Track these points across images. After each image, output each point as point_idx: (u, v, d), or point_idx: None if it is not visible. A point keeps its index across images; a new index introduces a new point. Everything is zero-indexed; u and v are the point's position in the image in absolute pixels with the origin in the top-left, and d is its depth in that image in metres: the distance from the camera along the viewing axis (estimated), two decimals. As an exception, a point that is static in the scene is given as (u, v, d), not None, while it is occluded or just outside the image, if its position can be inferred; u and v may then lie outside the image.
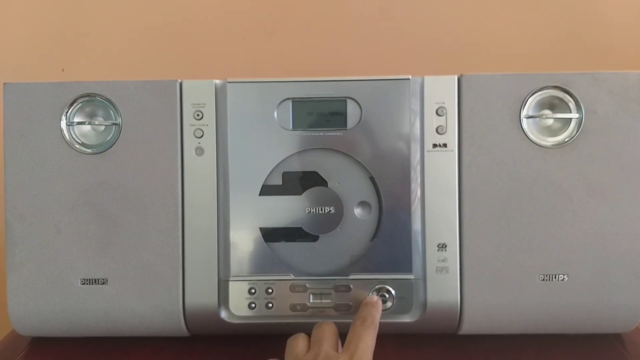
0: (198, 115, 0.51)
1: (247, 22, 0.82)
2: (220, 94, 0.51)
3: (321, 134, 0.51)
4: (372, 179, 0.51)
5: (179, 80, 0.51)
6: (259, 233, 0.51)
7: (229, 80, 0.51)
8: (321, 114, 0.51)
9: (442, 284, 0.50)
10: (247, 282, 0.51)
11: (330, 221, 0.51)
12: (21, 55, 0.83)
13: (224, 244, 0.51)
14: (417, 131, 0.50)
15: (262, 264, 0.51)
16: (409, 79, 0.50)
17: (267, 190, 0.51)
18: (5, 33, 0.83)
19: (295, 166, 0.51)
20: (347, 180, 0.51)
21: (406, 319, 0.51)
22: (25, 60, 0.83)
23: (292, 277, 0.51)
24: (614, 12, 0.79)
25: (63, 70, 0.83)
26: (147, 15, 0.82)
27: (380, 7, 0.81)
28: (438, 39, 0.81)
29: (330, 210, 0.51)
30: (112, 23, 0.82)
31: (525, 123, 0.50)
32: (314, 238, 0.51)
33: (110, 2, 0.82)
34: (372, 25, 0.81)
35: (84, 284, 0.51)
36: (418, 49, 0.81)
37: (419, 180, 0.50)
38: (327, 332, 0.44)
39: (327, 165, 0.51)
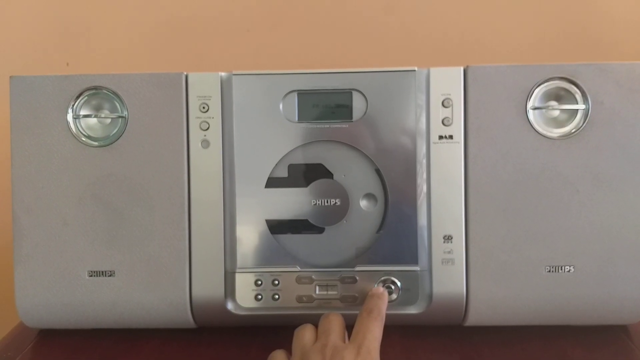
0: (204, 107, 0.51)
1: (251, 15, 0.82)
2: (225, 87, 0.51)
3: (327, 126, 0.51)
4: (377, 171, 0.51)
5: (185, 73, 0.51)
6: (265, 225, 0.51)
7: (234, 72, 0.51)
8: (327, 106, 0.51)
9: (448, 276, 0.50)
10: (253, 273, 0.51)
11: (336, 213, 0.51)
12: (26, 49, 0.83)
13: (230, 236, 0.51)
14: (423, 123, 0.50)
15: (268, 256, 0.51)
16: (414, 70, 0.50)
17: (273, 182, 0.51)
18: (10, 27, 0.83)
19: (301, 158, 0.51)
20: (352, 173, 0.51)
21: (412, 310, 0.51)
22: (30, 54, 0.83)
23: (298, 268, 0.51)
24: (619, 4, 0.79)
25: (68, 64, 0.83)
26: (151, 8, 0.82)
27: None
28: (443, 30, 0.80)
29: (336, 203, 0.51)
30: (116, 17, 0.82)
31: (531, 114, 0.50)
32: (320, 230, 0.51)
33: (114, -4, 0.82)
34: (377, 16, 0.81)
35: (91, 276, 0.51)
36: (423, 41, 0.81)
37: (424, 172, 0.50)
38: (334, 323, 0.44)
39: (333, 158, 0.51)
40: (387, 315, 0.46)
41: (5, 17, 0.83)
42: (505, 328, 0.52)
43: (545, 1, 0.79)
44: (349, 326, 0.44)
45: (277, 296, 0.51)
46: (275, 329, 0.52)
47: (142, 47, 0.83)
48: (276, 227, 0.51)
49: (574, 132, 0.50)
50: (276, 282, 0.51)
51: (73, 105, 0.51)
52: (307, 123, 0.51)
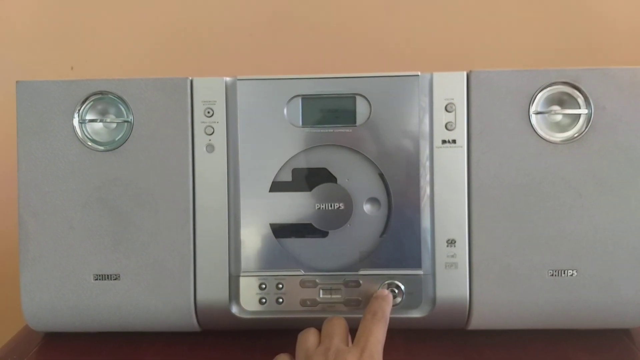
0: (209, 112, 0.51)
1: (253, 20, 0.82)
2: (230, 91, 0.51)
3: (330, 130, 0.51)
4: (381, 175, 0.51)
5: (190, 78, 0.51)
6: (269, 229, 0.51)
7: (239, 77, 0.51)
8: (330, 111, 0.51)
9: (451, 280, 0.50)
10: (257, 277, 0.51)
11: (339, 217, 0.51)
12: (30, 53, 0.84)
13: (234, 240, 0.51)
14: (426, 127, 0.51)
15: (272, 260, 0.51)
16: (418, 75, 0.50)
17: (277, 186, 0.51)
18: (15, 31, 0.83)
19: (305, 163, 0.51)
20: (356, 177, 0.51)
21: (415, 314, 0.51)
22: (35, 58, 0.84)
23: (302, 272, 0.51)
24: (621, 9, 0.79)
25: (72, 68, 0.83)
26: (154, 13, 0.83)
27: (388, 4, 0.81)
28: (446, 35, 0.81)
29: (339, 207, 0.51)
30: (120, 21, 0.83)
31: (534, 119, 0.50)
32: (324, 234, 0.51)
33: (117, 1, 0.82)
34: (380, 21, 0.81)
35: (96, 279, 0.51)
36: (426, 46, 0.81)
37: (428, 176, 0.51)
38: (337, 326, 0.44)
39: (337, 162, 0.51)
40: (391, 319, 0.46)
41: (9, 20, 0.83)
42: (508, 331, 0.52)
43: (548, 6, 0.80)
44: (353, 330, 0.44)
45: (281, 300, 0.51)
46: (279, 333, 0.52)
47: (145, 52, 0.83)
48: (280, 231, 0.51)
49: (577, 136, 0.50)
50: (280, 285, 0.51)
51: (79, 110, 0.51)
52: (311, 127, 0.51)
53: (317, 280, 0.51)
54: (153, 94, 0.51)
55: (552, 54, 0.80)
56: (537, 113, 0.50)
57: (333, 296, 0.51)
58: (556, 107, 0.51)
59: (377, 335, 0.42)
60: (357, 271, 0.51)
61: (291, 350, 0.44)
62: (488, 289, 0.50)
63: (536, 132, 0.50)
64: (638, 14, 0.79)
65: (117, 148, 0.51)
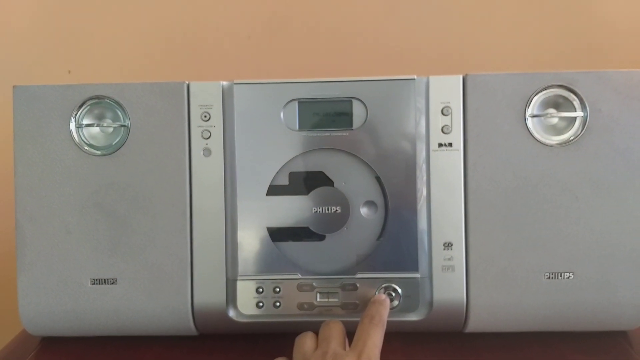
0: (205, 116, 0.51)
1: (251, 22, 0.82)
2: (227, 95, 0.51)
3: (327, 134, 0.51)
4: (377, 179, 0.51)
5: (187, 82, 0.51)
6: (266, 233, 0.51)
7: (235, 81, 0.51)
8: (327, 115, 0.51)
9: (448, 283, 0.51)
10: (254, 281, 0.51)
11: (336, 221, 0.51)
12: (27, 57, 0.84)
13: (231, 243, 0.52)
14: (423, 131, 0.51)
15: (269, 264, 0.51)
16: (414, 78, 0.51)
17: (274, 190, 0.51)
18: (12, 35, 0.83)
19: (302, 166, 0.51)
20: (353, 180, 0.51)
21: (412, 317, 0.51)
22: (32, 62, 0.84)
23: (299, 276, 0.51)
24: (618, 12, 0.79)
25: (69, 72, 0.83)
26: (151, 17, 0.83)
27: (385, 8, 0.81)
28: (442, 39, 0.81)
29: (336, 210, 0.51)
30: (117, 25, 0.83)
31: (530, 122, 0.50)
32: (321, 237, 0.51)
33: (115, 4, 0.83)
34: (377, 25, 0.81)
35: (93, 284, 0.51)
36: (423, 49, 0.81)
37: (424, 179, 0.51)
38: (334, 330, 0.44)
39: (333, 165, 0.51)
40: (388, 322, 0.46)
41: (7, 24, 0.83)
42: (505, 334, 0.52)
43: (545, 9, 0.80)
44: (350, 333, 0.44)
45: (278, 303, 0.51)
46: (276, 337, 0.52)
47: (142, 55, 0.83)
48: (277, 234, 0.51)
49: (573, 139, 0.50)
50: (277, 289, 0.51)
51: (76, 115, 0.51)
52: (307, 131, 0.51)
53: (314, 284, 0.51)
54: (150, 98, 0.51)
55: (550, 56, 0.80)
56: (533, 116, 0.50)
57: (330, 300, 0.51)
58: (552, 110, 0.51)
59: (374, 340, 0.42)
60: (354, 274, 0.51)
61: (288, 354, 0.45)
62: (485, 291, 0.50)
63: (532, 135, 0.50)
64: (638, 14, 0.79)
65: (114, 152, 0.51)
